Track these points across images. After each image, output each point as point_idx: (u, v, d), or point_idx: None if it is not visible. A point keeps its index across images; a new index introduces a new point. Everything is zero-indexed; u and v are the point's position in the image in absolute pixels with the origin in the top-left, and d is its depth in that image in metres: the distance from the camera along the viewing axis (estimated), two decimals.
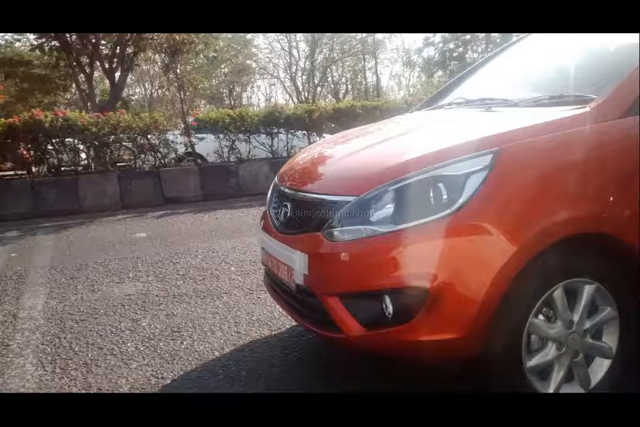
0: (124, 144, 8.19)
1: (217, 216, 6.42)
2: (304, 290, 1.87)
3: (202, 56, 16.97)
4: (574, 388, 1.78)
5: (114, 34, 13.02)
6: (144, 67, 23.26)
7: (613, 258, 1.76)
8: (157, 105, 26.55)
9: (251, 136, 8.77)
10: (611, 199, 1.69)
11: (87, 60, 14.25)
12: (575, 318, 1.73)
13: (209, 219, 6.22)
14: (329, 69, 30.78)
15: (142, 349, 2.57)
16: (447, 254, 1.58)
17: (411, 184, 1.66)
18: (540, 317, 1.70)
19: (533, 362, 1.70)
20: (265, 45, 38.39)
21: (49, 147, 7.86)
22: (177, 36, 11.21)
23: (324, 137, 8.54)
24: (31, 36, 15.65)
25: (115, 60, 13.79)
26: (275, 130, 8.95)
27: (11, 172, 8.93)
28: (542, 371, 1.74)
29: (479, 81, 2.81)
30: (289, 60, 29.99)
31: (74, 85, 17.28)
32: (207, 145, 8.80)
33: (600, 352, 1.82)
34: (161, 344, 2.62)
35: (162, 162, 8.28)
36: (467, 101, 2.47)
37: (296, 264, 1.86)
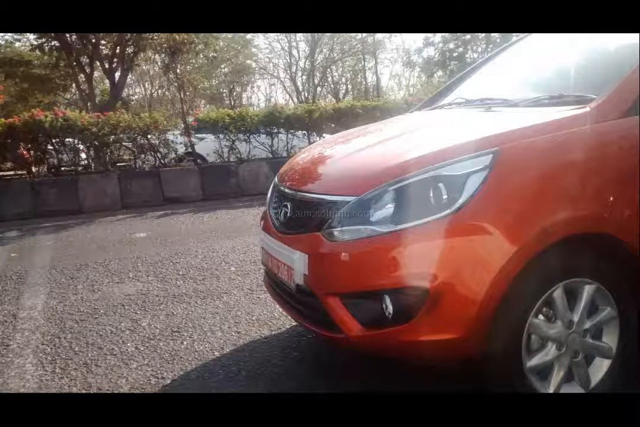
0: (124, 144, 8.19)
1: (217, 216, 6.42)
2: (304, 290, 1.87)
3: (202, 56, 16.97)
4: (574, 388, 1.78)
5: (114, 34, 13.02)
6: (144, 67, 23.28)
7: (613, 258, 1.76)
8: (157, 105, 26.55)
9: (251, 136, 8.76)
10: (611, 199, 1.69)
11: (87, 60, 14.26)
12: (575, 318, 1.73)
13: (209, 219, 6.22)
14: (329, 69, 30.80)
15: (142, 349, 2.57)
16: (447, 254, 1.58)
17: (411, 184, 1.66)
18: (540, 317, 1.70)
19: (533, 362, 1.70)
20: (265, 45, 38.48)
21: (49, 147, 7.86)
22: (177, 36, 11.22)
23: (324, 137, 8.54)
24: (31, 36, 15.69)
25: (115, 60, 13.80)
26: (275, 130, 8.95)
27: (11, 172, 8.93)
28: (542, 371, 1.74)
29: (479, 81, 2.81)
30: (289, 60, 30.04)
31: (74, 85, 17.29)
32: (207, 145, 8.80)
33: (600, 352, 1.82)
34: (161, 344, 2.62)
35: (162, 162, 8.28)
36: (467, 101, 2.47)
37: (296, 264, 1.86)
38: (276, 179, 2.38)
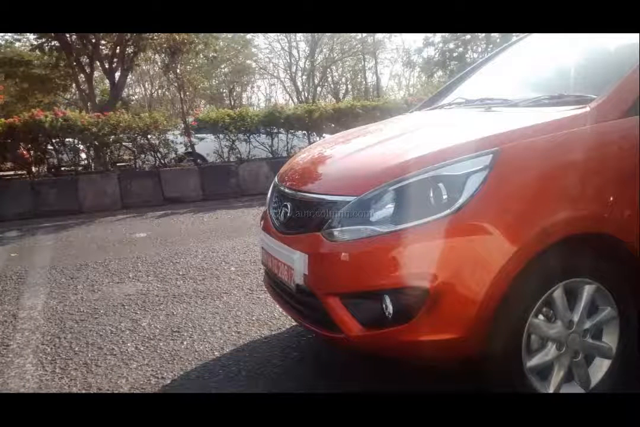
0: (124, 144, 8.19)
1: (217, 216, 6.42)
2: (304, 290, 1.87)
3: (202, 56, 16.97)
4: (574, 388, 1.78)
5: (114, 34, 13.02)
6: (144, 67, 23.27)
7: (613, 258, 1.76)
8: (157, 105, 26.55)
9: (251, 136, 8.77)
10: (611, 199, 1.69)
11: (87, 60, 14.26)
12: (575, 318, 1.73)
13: (209, 219, 6.22)
14: (329, 69, 30.80)
15: (142, 349, 2.57)
16: (447, 254, 1.58)
17: (411, 184, 1.66)
18: (540, 317, 1.70)
19: (533, 362, 1.70)
20: (265, 45, 38.50)
21: (49, 147, 7.86)
22: (177, 36, 11.24)
23: (324, 137, 8.54)
24: (31, 36, 15.69)
25: (115, 60, 13.80)
26: (275, 130, 8.95)
27: (11, 172, 8.93)
28: (542, 371, 1.74)
29: (479, 81, 2.81)
30: (289, 60, 30.04)
31: (74, 85, 17.30)
32: (207, 145, 8.80)
33: (600, 352, 1.82)
34: (161, 344, 2.62)
35: (162, 162, 8.27)
36: (467, 101, 2.47)
37: (296, 264, 1.86)
38: (276, 179, 2.38)
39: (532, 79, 2.49)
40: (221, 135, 8.70)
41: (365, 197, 1.71)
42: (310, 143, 8.59)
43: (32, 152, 7.64)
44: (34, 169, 7.81)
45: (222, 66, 27.67)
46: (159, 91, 28.35)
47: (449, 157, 1.67)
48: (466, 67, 3.55)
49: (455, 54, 22.76)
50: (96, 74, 16.77)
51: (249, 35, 27.20)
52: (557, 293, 1.69)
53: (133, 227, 6.00)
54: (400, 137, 2.24)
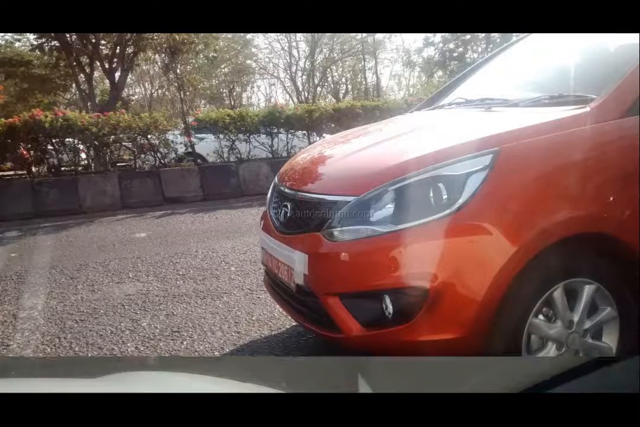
0: (124, 144, 8.19)
1: (217, 216, 6.42)
2: (304, 290, 1.88)
3: (202, 56, 16.99)
4: None
5: (114, 34, 13.03)
6: (144, 67, 23.27)
7: (613, 258, 1.76)
8: (157, 105, 26.55)
9: (251, 136, 8.77)
10: (611, 199, 1.69)
11: (87, 60, 14.27)
12: (575, 318, 1.73)
13: (209, 219, 6.22)
14: (329, 69, 30.77)
15: (142, 349, 2.57)
16: (447, 254, 1.59)
17: (411, 184, 1.66)
18: (540, 317, 1.70)
19: None
20: (265, 45, 38.38)
21: (49, 147, 7.86)
22: (177, 36, 11.24)
23: (324, 137, 8.54)
24: (31, 36, 15.70)
25: (115, 60, 13.80)
26: (275, 130, 8.95)
27: (11, 172, 8.93)
28: None
29: (479, 81, 2.81)
30: (289, 60, 30.00)
31: (74, 85, 17.30)
32: (207, 145, 8.81)
33: (600, 352, 1.82)
34: (161, 344, 2.62)
35: (162, 162, 8.27)
36: (467, 101, 2.47)
37: (296, 264, 1.86)
38: (276, 179, 2.38)
39: (532, 79, 2.49)
40: (221, 135, 8.70)
41: (365, 197, 1.71)
42: (310, 143, 8.60)
43: (32, 152, 7.64)
44: (34, 169, 7.82)
45: (222, 66, 27.66)
46: (159, 91, 28.35)
47: (449, 157, 1.67)
48: (466, 67, 3.55)
49: (455, 54, 22.74)
50: (96, 74, 16.77)
51: (249, 35, 27.23)
52: (557, 293, 1.69)
53: (133, 227, 6.00)
54: (400, 137, 2.24)
